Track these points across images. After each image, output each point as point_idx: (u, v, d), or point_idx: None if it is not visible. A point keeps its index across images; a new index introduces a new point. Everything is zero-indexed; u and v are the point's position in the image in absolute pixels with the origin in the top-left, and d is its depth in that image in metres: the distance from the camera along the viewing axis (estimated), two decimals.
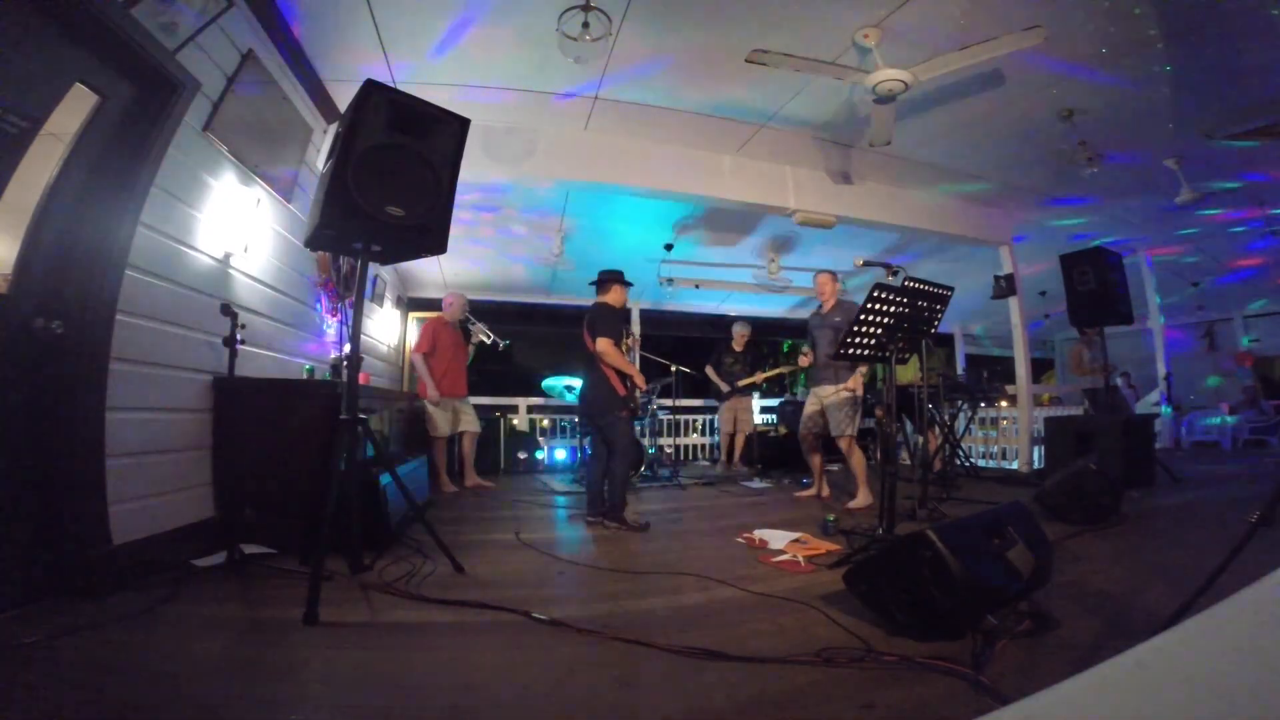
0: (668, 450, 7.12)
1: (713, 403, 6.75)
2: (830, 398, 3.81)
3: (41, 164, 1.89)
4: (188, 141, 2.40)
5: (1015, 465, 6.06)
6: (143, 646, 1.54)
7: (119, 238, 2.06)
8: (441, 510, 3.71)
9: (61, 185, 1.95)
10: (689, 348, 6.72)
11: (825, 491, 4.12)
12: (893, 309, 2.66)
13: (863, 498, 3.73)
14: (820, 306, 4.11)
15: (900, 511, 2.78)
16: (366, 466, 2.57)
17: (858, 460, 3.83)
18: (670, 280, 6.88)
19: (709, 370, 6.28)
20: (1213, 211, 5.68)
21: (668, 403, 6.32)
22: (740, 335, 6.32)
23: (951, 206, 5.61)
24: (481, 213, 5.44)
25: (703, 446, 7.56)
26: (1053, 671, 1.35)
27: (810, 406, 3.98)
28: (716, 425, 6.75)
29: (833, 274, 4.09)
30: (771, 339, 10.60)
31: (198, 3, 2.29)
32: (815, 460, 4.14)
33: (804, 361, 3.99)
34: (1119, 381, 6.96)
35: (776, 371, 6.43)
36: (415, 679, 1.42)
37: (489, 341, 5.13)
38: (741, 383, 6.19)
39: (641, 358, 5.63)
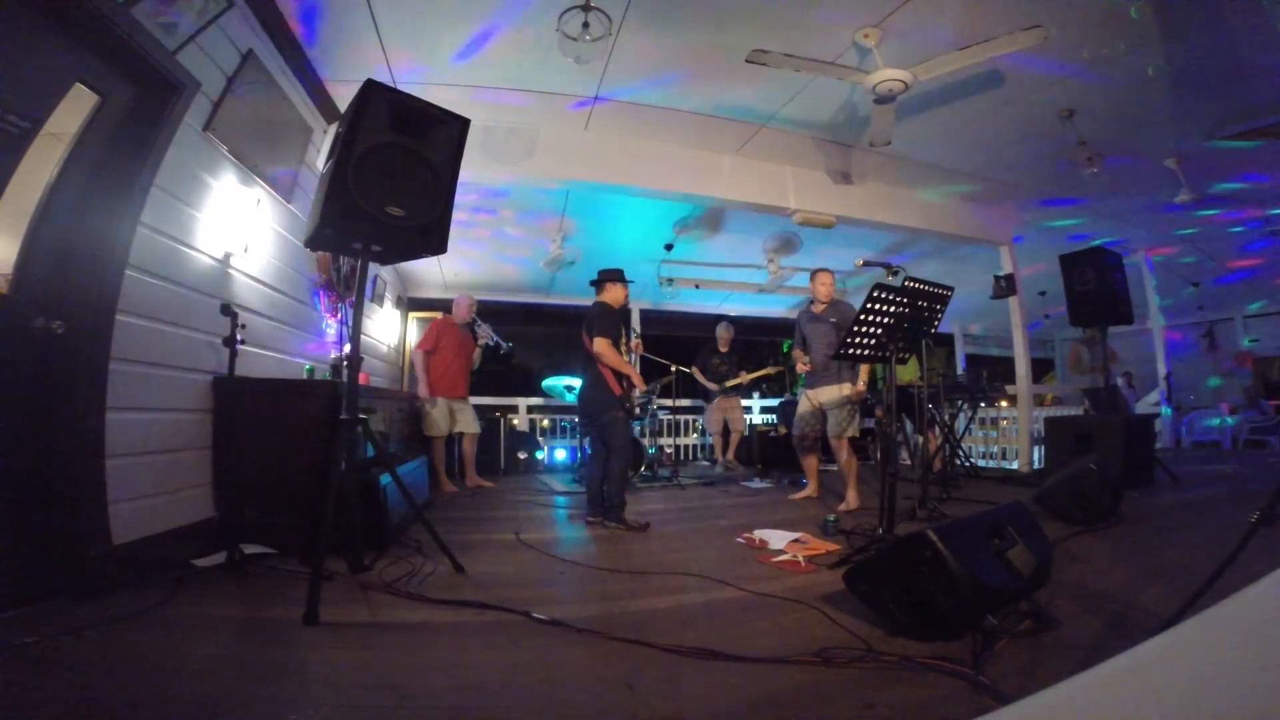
0: (668, 450, 7.14)
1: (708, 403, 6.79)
2: (832, 399, 3.79)
3: (41, 164, 1.89)
4: (188, 141, 2.40)
5: (1015, 465, 6.06)
6: (143, 646, 1.54)
7: (119, 238, 2.06)
8: (441, 510, 3.71)
9: (61, 185, 1.95)
10: (689, 348, 6.72)
11: (817, 493, 4.11)
12: (893, 309, 2.65)
13: (852, 499, 3.70)
14: (810, 304, 4.04)
15: (900, 511, 2.77)
16: (366, 466, 2.57)
17: (851, 462, 3.81)
18: (670, 280, 6.89)
19: (695, 371, 6.32)
20: (1212, 212, 5.68)
21: (668, 403, 6.34)
22: (724, 336, 6.40)
23: (951, 206, 5.61)
24: (482, 213, 5.44)
25: (702, 447, 7.56)
26: (1053, 671, 1.35)
27: (805, 407, 3.92)
28: (706, 427, 6.82)
29: (829, 272, 4.04)
30: (772, 339, 10.60)
31: (198, 3, 2.29)
32: (812, 461, 4.13)
33: (802, 368, 3.93)
34: (1119, 381, 6.95)
35: (764, 372, 6.45)
36: (415, 679, 1.41)
37: (492, 344, 5.13)
38: (729, 383, 6.26)
39: (641, 359, 5.63)
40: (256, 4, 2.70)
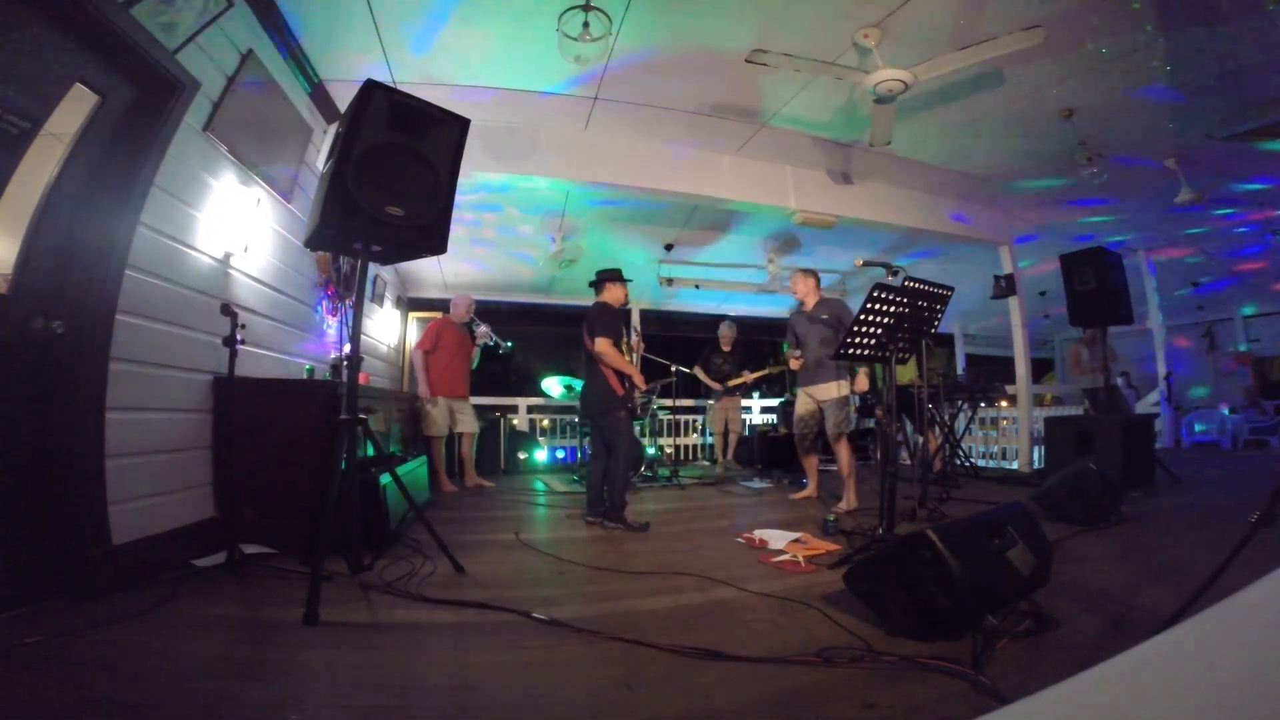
0: (668, 450, 7.14)
1: (710, 402, 6.81)
2: (830, 397, 3.78)
3: (41, 164, 1.89)
4: (188, 141, 2.40)
5: (1015, 465, 6.05)
6: (143, 646, 1.54)
7: (119, 238, 2.06)
8: (441, 510, 3.71)
9: (61, 185, 1.95)
10: (689, 348, 6.74)
11: (816, 493, 4.11)
12: (893, 309, 2.65)
13: (851, 498, 3.67)
14: (800, 305, 4.05)
15: (900, 511, 2.77)
16: (366, 466, 2.57)
17: (850, 461, 3.79)
18: (670, 280, 6.89)
19: (698, 371, 6.36)
20: (1212, 212, 5.68)
21: (668, 403, 6.35)
22: (726, 336, 6.43)
23: (952, 207, 5.61)
24: (482, 213, 5.44)
25: (702, 446, 7.57)
26: (1053, 671, 1.35)
27: (804, 406, 3.91)
28: (708, 426, 6.84)
29: (810, 272, 4.04)
30: (772, 339, 10.59)
31: (198, 3, 2.29)
32: (813, 461, 4.13)
33: (796, 365, 3.92)
34: (1119, 381, 6.95)
35: (767, 371, 6.47)
36: (415, 679, 1.42)
37: (491, 344, 5.13)
38: (732, 382, 6.29)
39: (643, 358, 5.64)
40: (256, 4, 2.70)
